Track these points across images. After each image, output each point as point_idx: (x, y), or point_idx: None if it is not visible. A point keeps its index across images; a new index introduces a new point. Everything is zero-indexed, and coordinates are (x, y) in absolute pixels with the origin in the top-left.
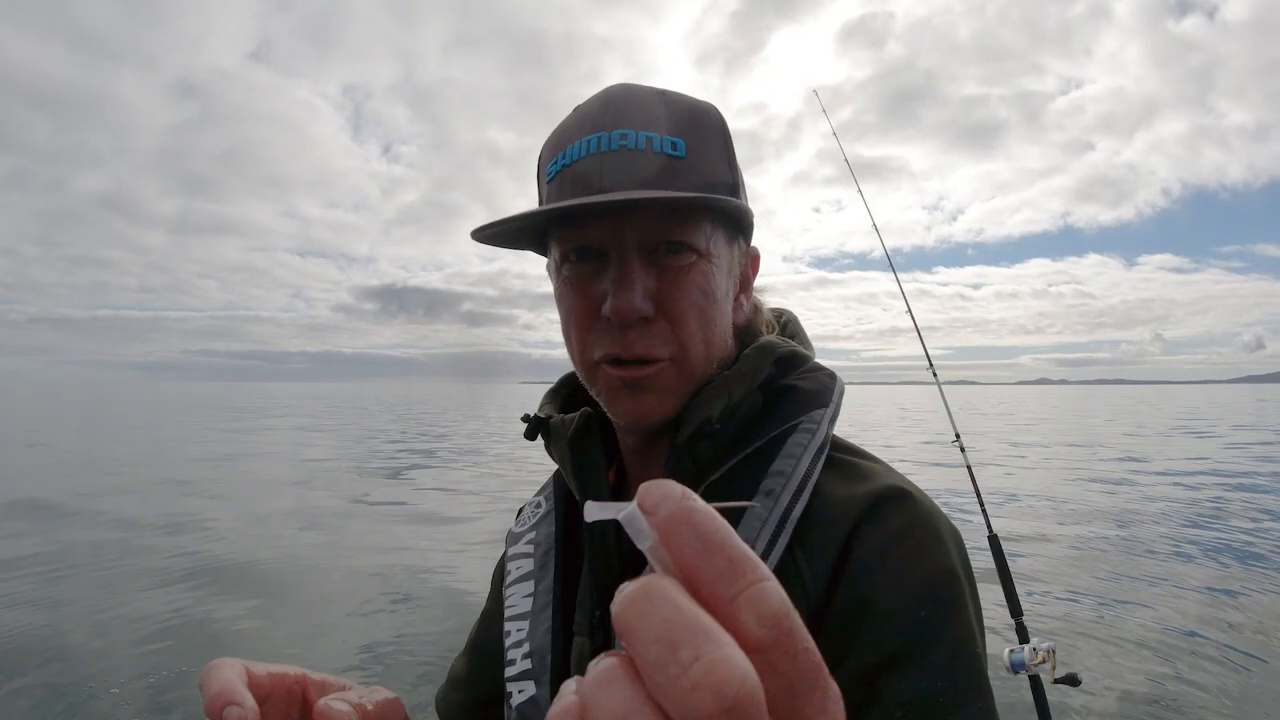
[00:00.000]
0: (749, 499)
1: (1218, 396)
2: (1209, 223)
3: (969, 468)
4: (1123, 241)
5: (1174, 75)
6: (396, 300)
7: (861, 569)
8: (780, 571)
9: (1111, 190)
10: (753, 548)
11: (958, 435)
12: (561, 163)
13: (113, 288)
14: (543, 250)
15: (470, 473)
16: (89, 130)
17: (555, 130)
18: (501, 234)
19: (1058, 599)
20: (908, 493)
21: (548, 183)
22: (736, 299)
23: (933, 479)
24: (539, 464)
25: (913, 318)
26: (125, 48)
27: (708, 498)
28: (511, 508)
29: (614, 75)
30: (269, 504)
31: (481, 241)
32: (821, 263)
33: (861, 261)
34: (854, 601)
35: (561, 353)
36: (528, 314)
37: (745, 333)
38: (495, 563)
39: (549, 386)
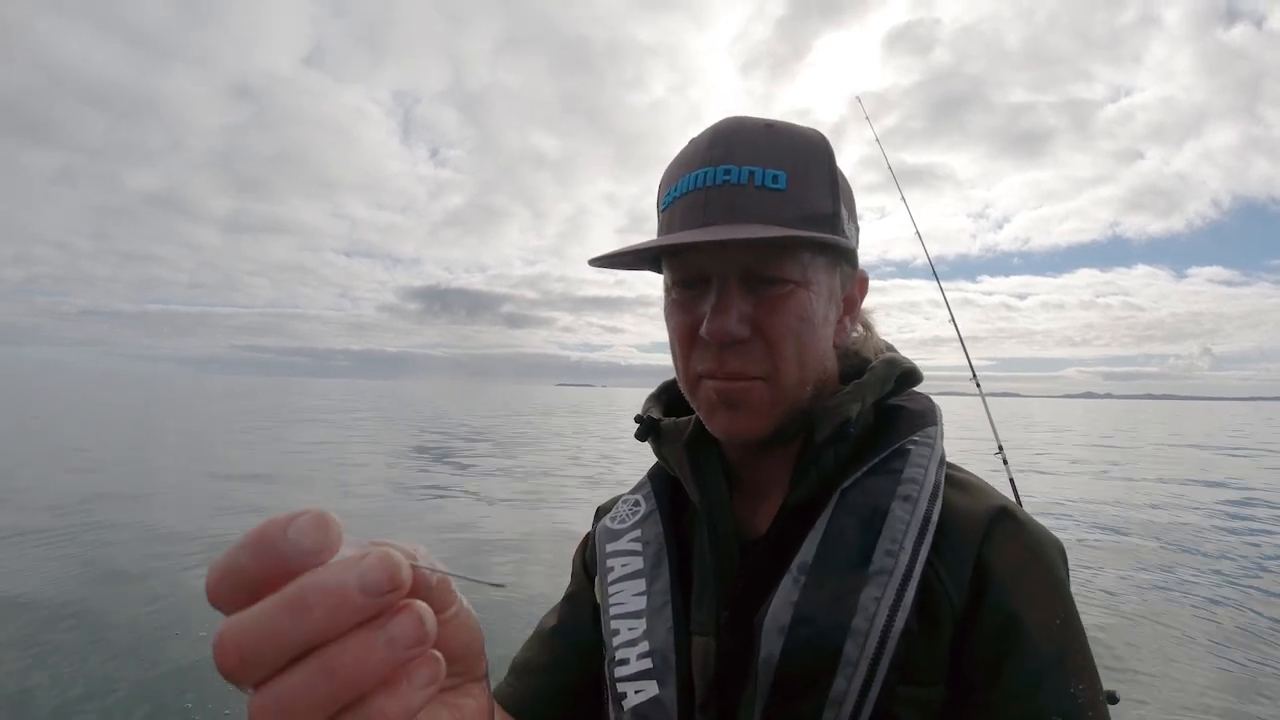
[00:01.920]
0: (888, 505)
1: (1269, 413)
2: (1259, 235)
3: (1011, 479)
4: (1172, 253)
5: (1223, 84)
6: (440, 301)
7: (1002, 586)
8: (923, 577)
9: (1161, 200)
10: (900, 550)
11: (1000, 446)
12: (673, 195)
13: (163, 283)
14: (658, 269)
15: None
16: (143, 128)
17: (673, 161)
18: (618, 261)
19: (1096, 615)
20: (1017, 513)
21: (662, 211)
22: (840, 321)
23: None
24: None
25: (956, 327)
26: (181, 48)
27: (842, 503)
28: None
29: (659, 81)
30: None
31: (598, 266)
32: (864, 270)
33: (904, 270)
34: (1004, 617)
35: (597, 356)
36: (567, 316)
37: (852, 355)
38: (572, 554)
39: (649, 391)
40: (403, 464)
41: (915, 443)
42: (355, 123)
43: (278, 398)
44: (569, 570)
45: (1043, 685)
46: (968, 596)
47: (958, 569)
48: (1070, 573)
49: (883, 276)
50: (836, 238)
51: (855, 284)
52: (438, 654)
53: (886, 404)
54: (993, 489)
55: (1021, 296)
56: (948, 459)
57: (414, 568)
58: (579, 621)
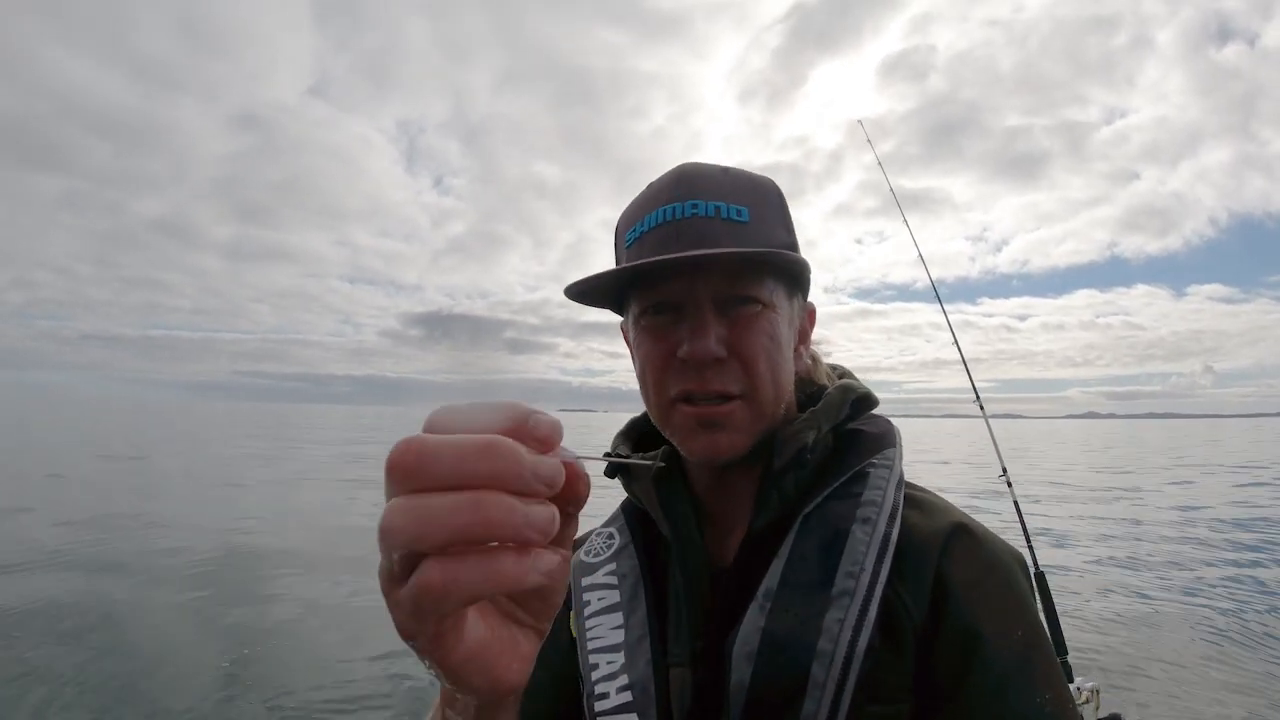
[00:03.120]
0: (848, 528)
1: (1272, 431)
2: (1257, 252)
3: (1015, 502)
4: (1171, 272)
5: (1217, 103)
6: (442, 327)
7: (961, 600)
8: (885, 596)
9: (1158, 220)
10: (861, 571)
11: (1004, 469)
12: (640, 229)
13: (166, 309)
14: (619, 310)
15: None
16: (148, 156)
17: (631, 204)
18: (588, 292)
19: (1102, 638)
20: (974, 528)
21: (628, 246)
22: (796, 349)
23: (980, 516)
24: None
25: (959, 348)
26: (186, 78)
27: (804, 529)
28: None
29: (659, 110)
30: None
31: (572, 298)
32: (863, 294)
33: (904, 293)
34: (963, 631)
35: (598, 382)
36: (569, 342)
37: (806, 383)
38: None
39: (619, 429)
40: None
41: (874, 465)
42: (359, 152)
43: (288, 424)
44: None
45: (1006, 695)
46: (928, 612)
47: (917, 586)
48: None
49: (884, 300)
50: (801, 257)
51: (807, 315)
52: (567, 555)
53: (846, 429)
54: (951, 506)
55: (1022, 318)
56: (964, 487)
57: (569, 463)
58: (557, 651)
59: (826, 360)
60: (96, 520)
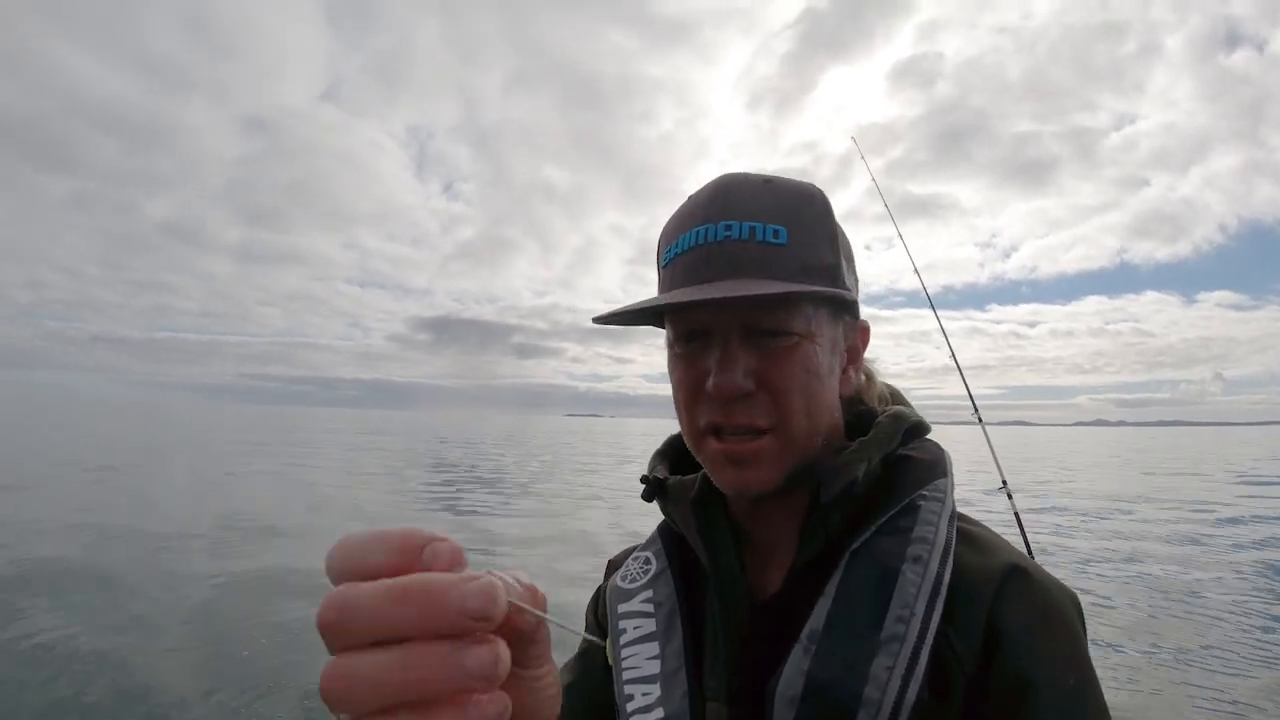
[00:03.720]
0: (898, 567)
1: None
2: (1267, 258)
3: (1017, 515)
4: (1180, 278)
5: (1226, 109)
6: (450, 331)
7: (1014, 647)
8: (935, 643)
9: (1168, 226)
10: (912, 616)
11: (1004, 481)
12: (675, 251)
13: (174, 311)
14: (660, 325)
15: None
16: (157, 157)
17: (672, 217)
18: (621, 317)
19: (1111, 655)
20: (1029, 569)
21: (663, 267)
22: (844, 371)
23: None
24: None
25: (954, 357)
26: (197, 78)
27: (852, 566)
28: None
29: (667, 116)
30: None
31: (601, 324)
32: (872, 300)
33: (913, 299)
34: (1016, 679)
35: (605, 387)
36: (576, 347)
37: (855, 401)
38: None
39: (657, 448)
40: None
41: (925, 498)
42: (370, 156)
43: (299, 428)
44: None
45: None
46: (979, 659)
47: (969, 632)
48: (1089, 627)
49: (892, 306)
50: (836, 290)
51: (858, 334)
52: (507, 700)
53: (895, 455)
54: (1005, 543)
55: (1031, 325)
56: (957, 498)
57: (512, 604)
58: (591, 679)
59: (881, 380)
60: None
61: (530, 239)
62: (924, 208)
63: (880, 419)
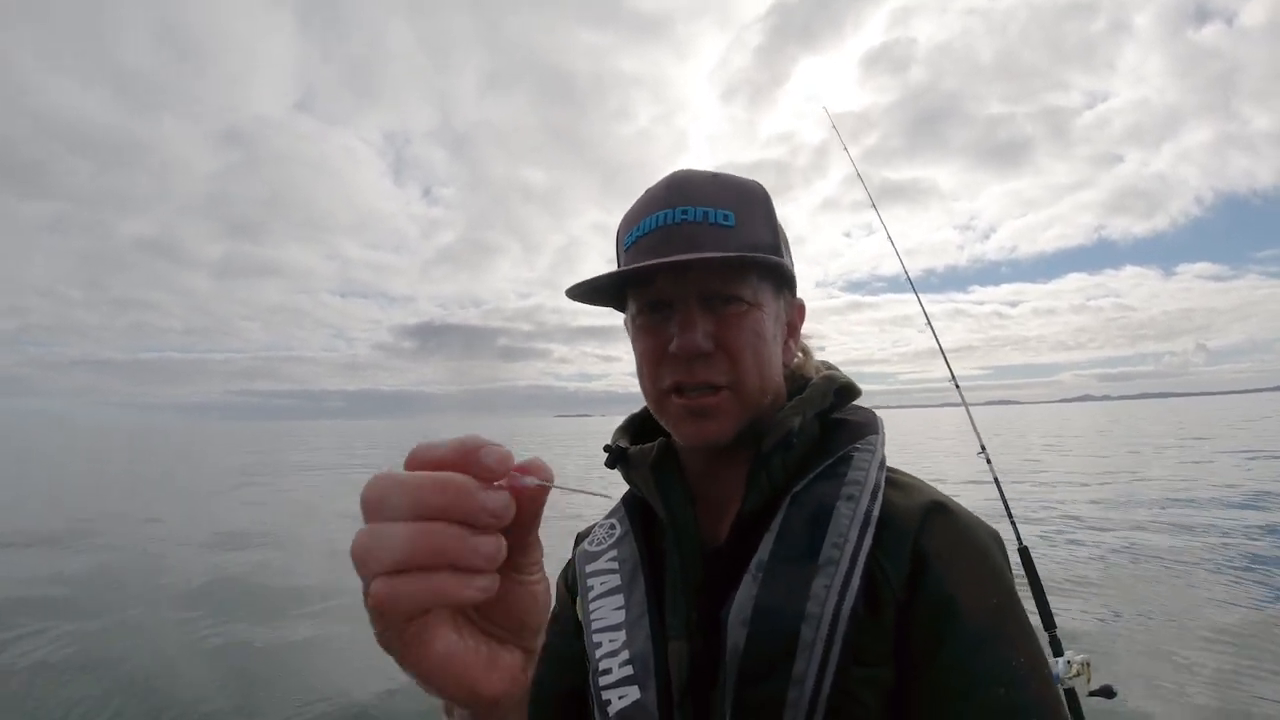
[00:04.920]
0: (833, 504)
1: (1266, 407)
2: (1244, 229)
3: (996, 479)
4: (1159, 252)
5: (1197, 83)
6: (435, 338)
7: (936, 572)
8: (867, 567)
9: (1143, 201)
10: (845, 542)
11: (983, 447)
12: (637, 234)
13: (156, 330)
14: (621, 307)
15: None
16: (133, 175)
17: (630, 209)
18: (589, 292)
19: (1092, 611)
20: (950, 505)
21: (625, 250)
22: (786, 344)
23: (972, 496)
24: None
25: (934, 333)
26: (170, 95)
27: (793, 507)
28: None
29: (643, 111)
30: None
31: (574, 299)
32: (854, 286)
33: (895, 284)
34: (938, 599)
35: (594, 386)
36: (563, 347)
37: (796, 377)
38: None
39: (601, 420)
40: None
41: (858, 449)
42: (347, 164)
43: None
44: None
45: (980, 658)
46: (907, 583)
47: (897, 558)
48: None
49: (874, 292)
50: (780, 259)
51: (795, 310)
52: (496, 576)
53: (832, 417)
54: (929, 486)
55: (1013, 304)
56: (927, 457)
57: (517, 489)
58: (562, 639)
59: (819, 355)
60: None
61: (512, 240)
62: (902, 193)
63: (814, 380)
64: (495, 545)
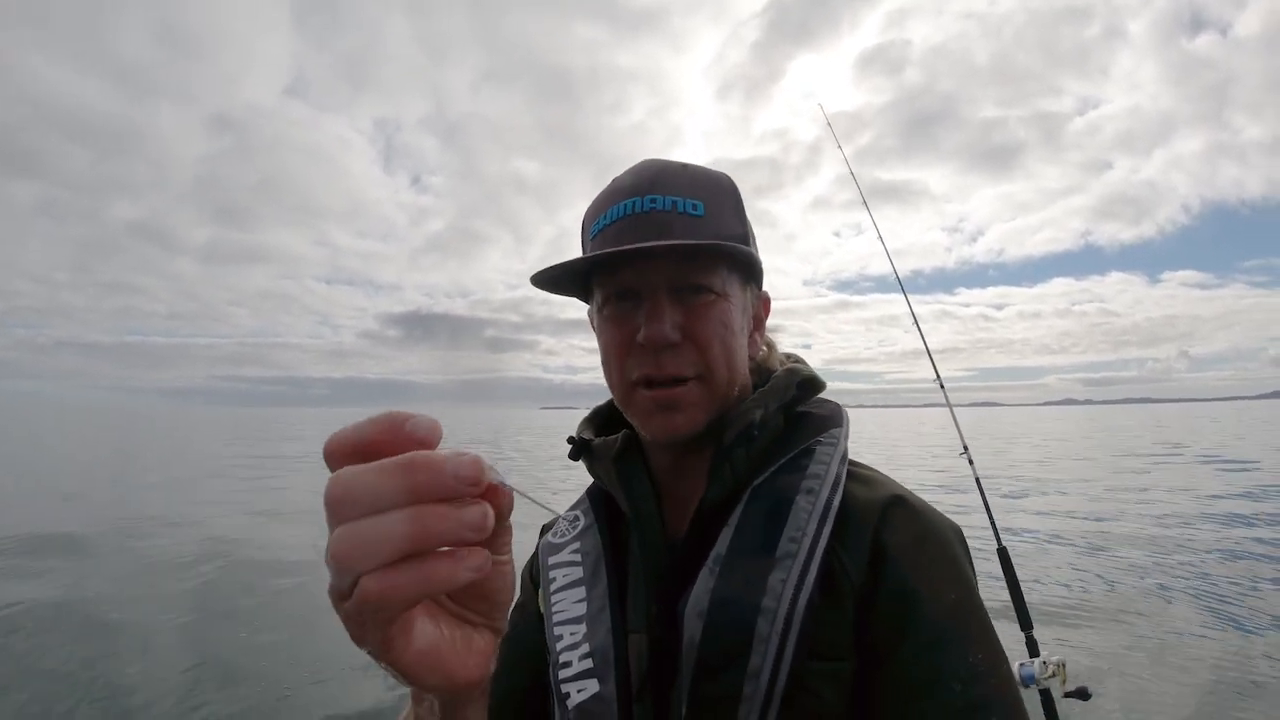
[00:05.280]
0: (793, 497)
1: (1247, 414)
2: (1230, 238)
3: (978, 479)
4: (1145, 259)
5: (1189, 92)
6: (421, 326)
7: (895, 564)
8: (825, 559)
9: (1132, 208)
10: (803, 536)
11: (965, 447)
12: (604, 222)
13: (142, 314)
14: (586, 298)
15: None
16: (125, 161)
17: (597, 198)
18: (555, 280)
19: (1068, 613)
20: (911, 499)
21: (592, 238)
22: (752, 336)
23: (949, 497)
24: None
25: (920, 333)
26: (164, 82)
27: (752, 500)
28: None
29: (639, 105)
30: None
31: (539, 286)
32: (842, 285)
33: (882, 284)
34: (898, 594)
35: (581, 378)
36: (550, 339)
37: (761, 369)
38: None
39: (584, 414)
40: None
41: (820, 443)
42: (337, 151)
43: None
44: None
45: (939, 653)
46: (866, 575)
47: (857, 551)
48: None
49: (862, 292)
50: (751, 250)
51: (761, 303)
52: (488, 552)
53: (796, 411)
54: (891, 480)
55: (999, 307)
56: (909, 459)
57: (491, 482)
58: (526, 631)
59: (781, 349)
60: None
61: (502, 230)
62: (893, 194)
63: (776, 373)
64: (482, 512)
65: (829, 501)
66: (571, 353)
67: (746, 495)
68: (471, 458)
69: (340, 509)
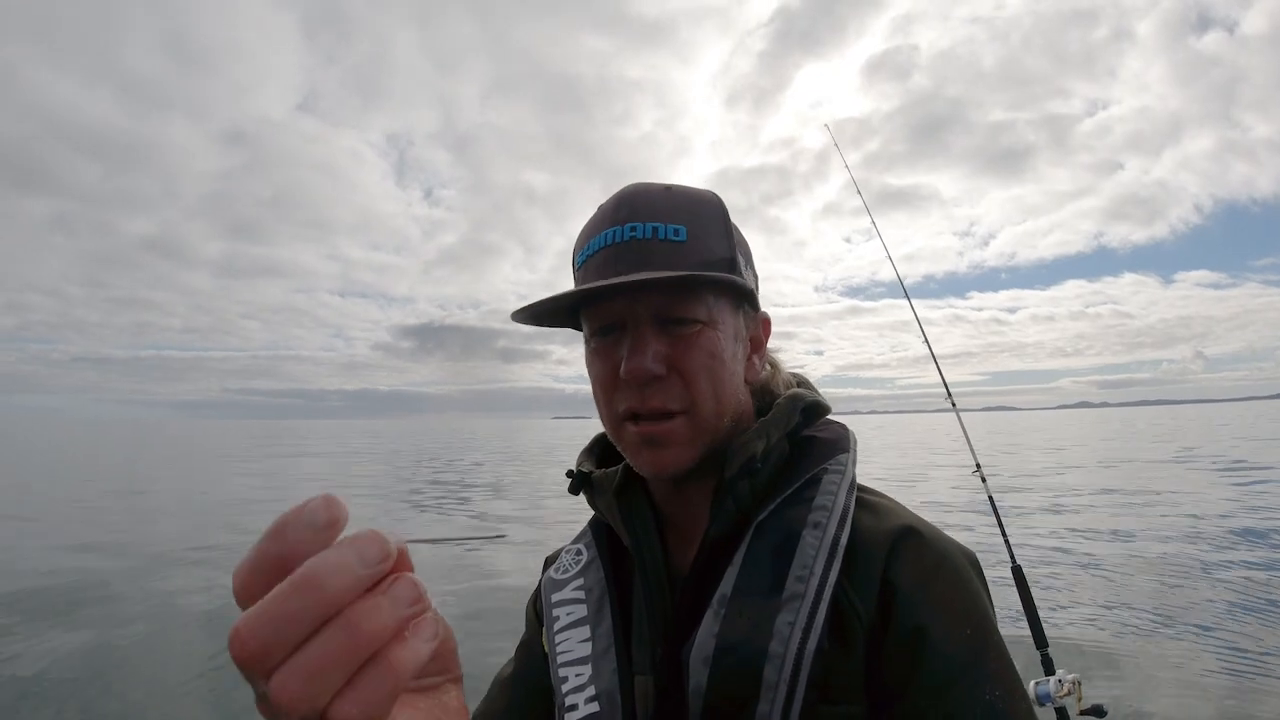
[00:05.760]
0: (799, 532)
1: (1265, 413)
2: (1243, 237)
3: (990, 498)
4: (1158, 259)
5: (1198, 92)
6: (434, 338)
7: (907, 600)
8: (834, 599)
9: (1143, 209)
10: (810, 575)
11: (978, 465)
12: (586, 253)
13: (156, 328)
14: (577, 326)
15: None
16: (137, 175)
17: (584, 227)
18: (540, 316)
19: (1083, 630)
20: (922, 529)
21: (577, 270)
22: (749, 359)
23: (964, 515)
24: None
25: (927, 342)
26: (175, 96)
27: (757, 535)
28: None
29: (646, 116)
30: None
31: (523, 322)
32: (854, 291)
33: (895, 290)
34: (911, 630)
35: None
36: (561, 349)
37: (763, 391)
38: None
39: (584, 445)
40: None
41: (827, 471)
42: (349, 165)
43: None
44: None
45: (954, 692)
46: (876, 613)
47: (866, 588)
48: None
49: (874, 298)
50: (733, 277)
51: (759, 324)
52: (437, 613)
53: (800, 435)
54: (902, 509)
55: (1011, 310)
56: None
57: (398, 547)
58: (533, 669)
59: (787, 368)
60: None
61: (513, 242)
62: (903, 199)
63: (779, 400)
64: (411, 584)
65: (836, 536)
66: (583, 363)
67: (751, 531)
68: (369, 535)
69: (262, 661)
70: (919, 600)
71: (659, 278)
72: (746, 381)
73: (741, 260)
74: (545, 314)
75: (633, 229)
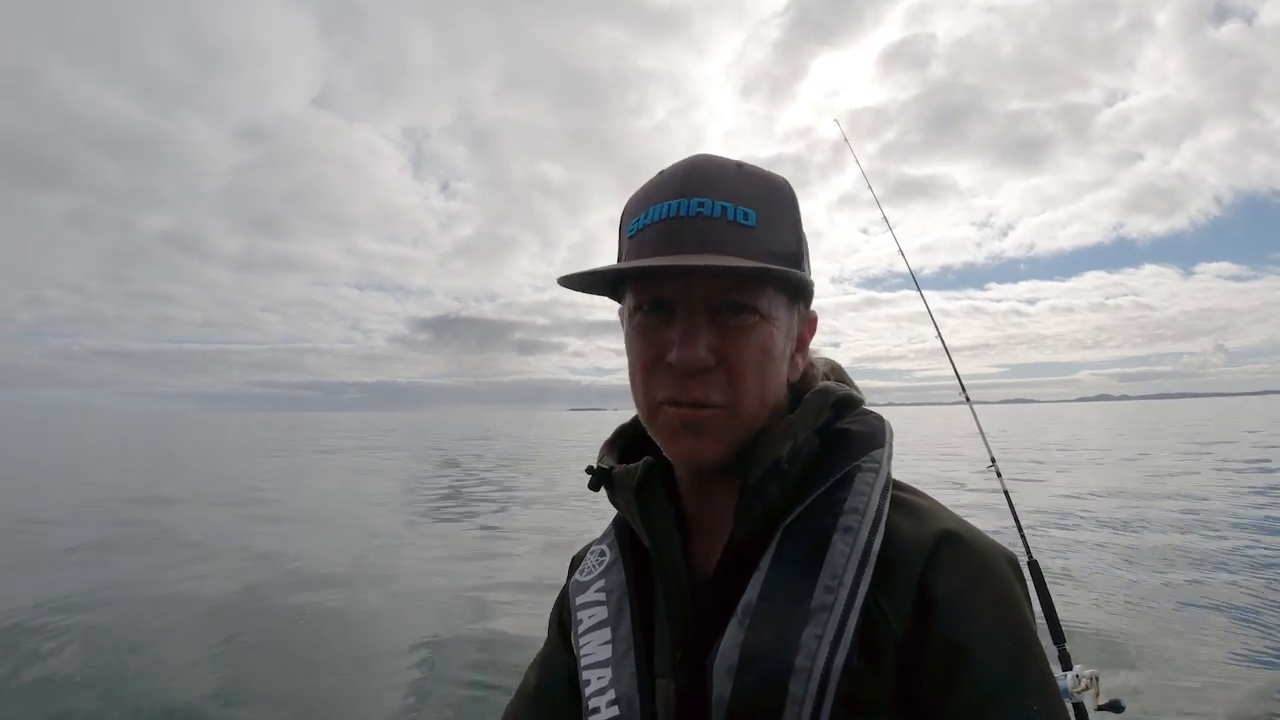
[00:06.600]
0: (828, 538)
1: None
2: (1264, 228)
3: (1006, 493)
4: (1178, 251)
5: (1217, 82)
6: (451, 330)
7: (946, 613)
8: (864, 609)
9: (1163, 200)
10: (840, 585)
11: (993, 460)
12: (645, 221)
13: (176, 322)
14: (616, 297)
15: None
16: (157, 172)
17: (639, 190)
18: (584, 283)
19: (1101, 624)
20: (963, 532)
21: (630, 237)
22: (793, 358)
23: (981, 502)
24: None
25: (941, 338)
26: (193, 93)
27: (785, 539)
28: None
29: (661, 107)
30: None
31: (569, 287)
32: (871, 283)
33: (912, 281)
34: (949, 645)
35: (608, 380)
36: (577, 341)
37: (795, 387)
38: (549, 609)
39: (606, 438)
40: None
41: (860, 469)
42: (367, 160)
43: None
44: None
45: (994, 709)
46: (911, 625)
47: (901, 598)
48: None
49: (892, 289)
50: (801, 273)
51: (807, 324)
52: None
53: (833, 428)
54: (941, 509)
55: (1030, 302)
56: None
57: None
58: (555, 682)
59: (829, 353)
60: None
61: (529, 235)
62: (920, 189)
63: (807, 397)
64: None
65: (869, 543)
66: (599, 354)
67: (778, 535)
68: None
69: None
70: (960, 610)
71: (732, 267)
72: (788, 381)
73: (804, 256)
74: (593, 283)
75: (701, 204)
